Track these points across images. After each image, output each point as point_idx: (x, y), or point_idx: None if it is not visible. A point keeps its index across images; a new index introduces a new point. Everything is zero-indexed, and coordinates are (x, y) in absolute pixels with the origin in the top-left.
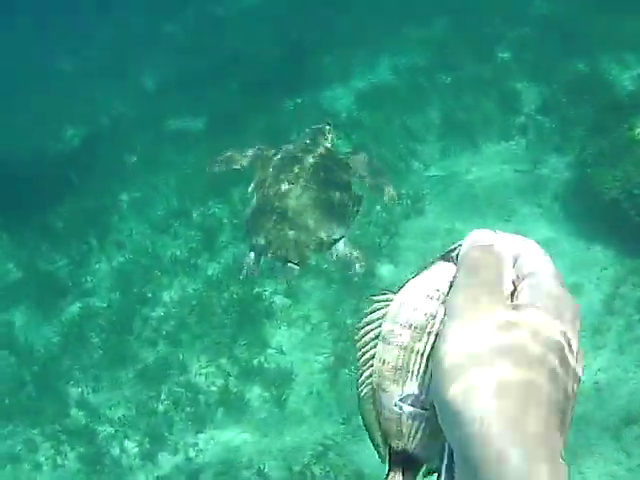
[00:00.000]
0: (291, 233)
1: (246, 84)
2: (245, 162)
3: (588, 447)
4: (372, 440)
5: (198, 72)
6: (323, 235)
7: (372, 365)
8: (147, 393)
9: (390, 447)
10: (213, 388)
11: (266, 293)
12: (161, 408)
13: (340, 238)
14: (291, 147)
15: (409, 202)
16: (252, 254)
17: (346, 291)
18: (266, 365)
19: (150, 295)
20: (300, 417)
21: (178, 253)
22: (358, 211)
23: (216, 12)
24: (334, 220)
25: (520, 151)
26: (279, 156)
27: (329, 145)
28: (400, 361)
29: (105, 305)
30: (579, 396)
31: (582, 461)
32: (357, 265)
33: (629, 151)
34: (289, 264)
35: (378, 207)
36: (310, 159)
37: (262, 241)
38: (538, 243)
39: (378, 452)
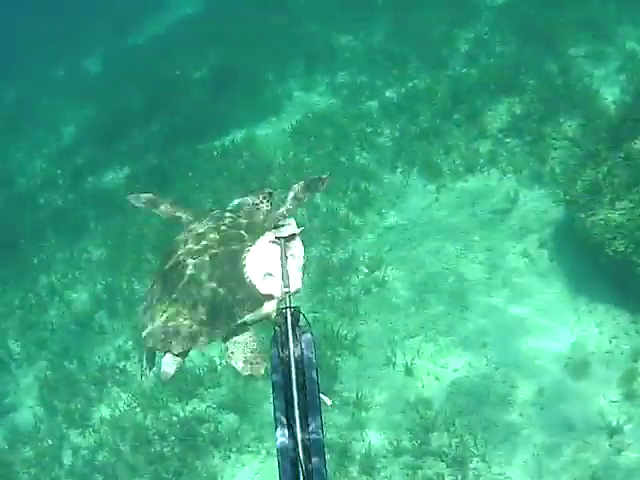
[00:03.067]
0: (174, 320)
1: (170, 127)
2: (165, 210)
3: None
4: None
5: (119, 117)
6: (218, 326)
7: None
8: None
9: None
10: None
11: (210, 409)
12: None
13: (235, 330)
14: (215, 214)
15: (365, 269)
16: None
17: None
18: None
19: (78, 415)
20: None
21: (106, 355)
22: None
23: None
24: (240, 305)
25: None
26: (195, 225)
27: (263, 211)
28: None
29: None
30: None
31: None
32: (254, 367)
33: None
34: (166, 357)
35: (330, 278)
36: (224, 232)
37: (142, 328)
38: None
39: None
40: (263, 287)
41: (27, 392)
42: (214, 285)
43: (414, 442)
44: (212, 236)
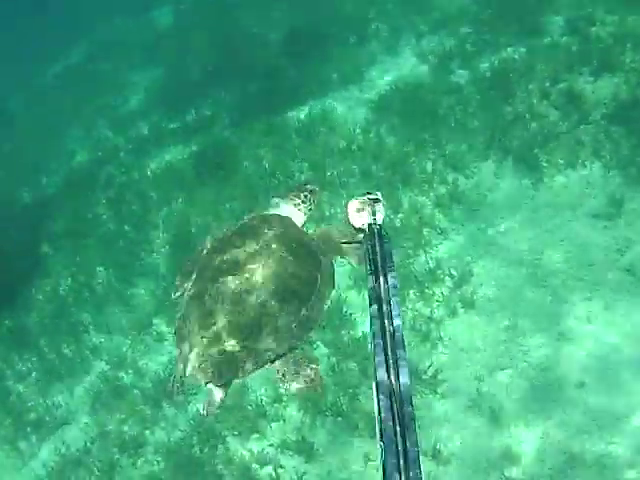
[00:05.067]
0: (220, 347)
1: (241, 95)
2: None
3: None
4: None
5: (187, 82)
6: (262, 352)
7: None
8: None
9: None
10: None
11: (271, 448)
12: None
13: (290, 351)
14: (251, 221)
15: (451, 283)
16: (181, 366)
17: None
18: None
19: (130, 438)
20: None
21: (163, 367)
22: (318, 322)
23: None
24: (284, 334)
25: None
26: (233, 233)
27: (304, 216)
28: None
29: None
30: None
31: None
32: (311, 384)
33: None
34: (210, 387)
35: (412, 290)
36: (269, 243)
37: (183, 352)
38: None
39: None
40: (356, 221)
41: (80, 405)
42: (263, 301)
43: None
44: (250, 249)
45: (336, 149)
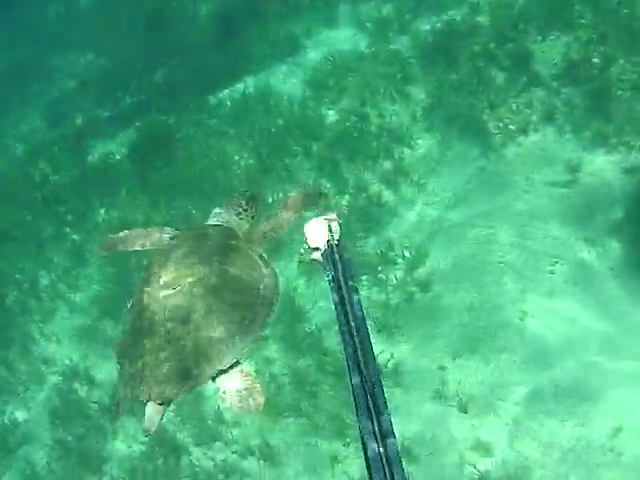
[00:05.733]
0: (160, 366)
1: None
2: (148, 242)
3: None
4: None
5: (120, 65)
6: (203, 368)
7: None
8: None
9: None
10: None
11: (235, 456)
12: None
13: (232, 366)
14: (189, 236)
15: (405, 268)
16: (122, 384)
17: None
18: None
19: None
20: None
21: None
22: (260, 333)
23: None
24: (226, 348)
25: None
26: (175, 242)
27: (246, 225)
28: None
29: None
30: None
31: None
32: (252, 403)
33: None
34: (150, 405)
35: (365, 276)
36: (208, 258)
37: (125, 369)
38: None
39: None
40: (312, 241)
41: (39, 421)
42: (199, 318)
43: None
44: (187, 265)
45: (275, 128)
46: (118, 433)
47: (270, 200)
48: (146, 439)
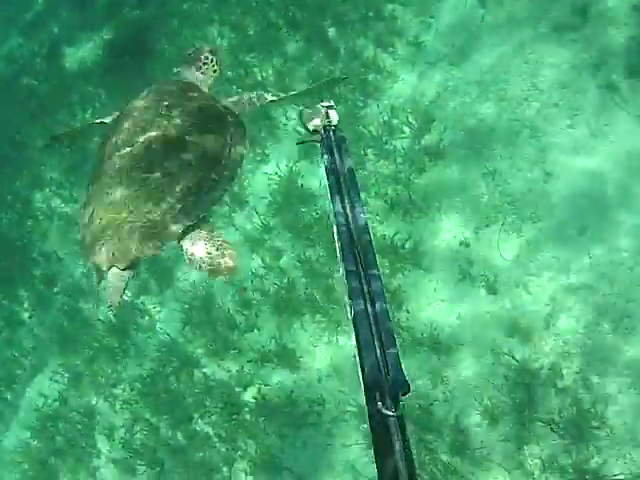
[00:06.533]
0: (118, 225)
1: None
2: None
3: None
4: None
5: None
6: (167, 224)
7: None
8: None
9: None
10: None
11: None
12: None
13: (192, 225)
14: (150, 92)
15: (412, 137)
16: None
17: None
18: None
19: None
20: None
21: None
22: (227, 188)
23: None
24: (192, 204)
25: None
26: (129, 108)
27: (209, 79)
28: None
29: None
30: None
31: None
32: (222, 263)
33: None
34: (113, 272)
35: (369, 150)
36: (169, 108)
37: (85, 241)
38: None
39: None
40: (309, 124)
41: (47, 347)
42: (165, 167)
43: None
44: (148, 117)
45: (253, 3)
46: (128, 351)
47: (259, 78)
48: (156, 356)
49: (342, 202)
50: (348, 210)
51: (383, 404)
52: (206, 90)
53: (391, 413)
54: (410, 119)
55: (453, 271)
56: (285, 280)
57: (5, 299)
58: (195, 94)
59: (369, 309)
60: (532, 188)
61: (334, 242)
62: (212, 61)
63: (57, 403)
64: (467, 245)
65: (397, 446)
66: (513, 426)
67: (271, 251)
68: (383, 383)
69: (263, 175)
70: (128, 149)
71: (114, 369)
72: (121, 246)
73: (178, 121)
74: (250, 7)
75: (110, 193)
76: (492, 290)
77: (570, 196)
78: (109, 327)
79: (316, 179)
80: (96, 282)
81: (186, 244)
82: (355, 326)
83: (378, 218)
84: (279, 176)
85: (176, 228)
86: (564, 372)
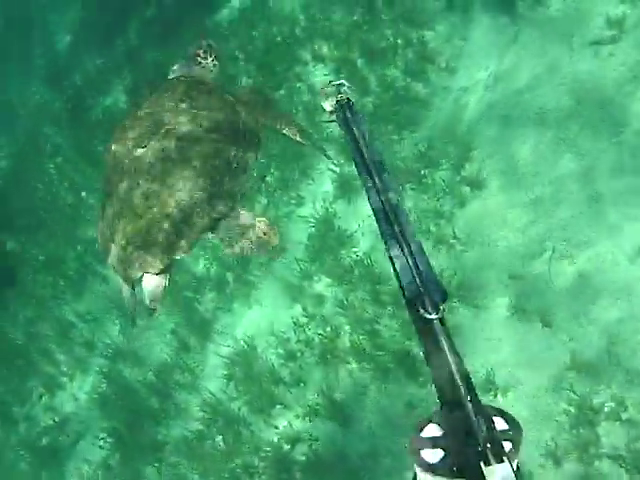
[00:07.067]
0: (145, 229)
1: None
2: None
3: None
4: None
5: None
6: (195, 219)
7: None
8: None
9: None
10: None
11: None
12: None
13: (224, 215)
14: (156, 94)
15: (451, 167)
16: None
17: None
18: None
19: None
20: None
21: None
22: (247, 171)
23: None
24: (215, 195)
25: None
26: (141, 112)
27: (209, 73)
28: None
29: None
30: None
31: None
32: (264, 238)
33: None
34: (148, 278)
35: (408, 188)
36: (177, 105)
37: (112, 253)
38: None
39: None
40: (326, 105)
41: (88, 412)
42: (175, 171)
43: None
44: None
45: (280, 39)
46: (170, 412)
47: (291, 110)
48: (200, 415)
49: (370, 176)
50: (377, 182)
51: (425, 311)
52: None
53: (434, 316)
54: (448, 149)
55: (504, 306)
56: (328, 328)
57: (44, 363)
58: (202, 85)
59: (397, 232)
60: (581, 211)
61: (377, 284)
62: (211, 55)
63: (102, 469)
64: (517, 278)
65: (445, 346)
66: (578, 465)
67: (312, 298)
68: (423, 295)
69: (299, 219)
70: (141, 150)
71: (157, 431)
72: (150, 251)
73: (189, 115)
74: (275, 42)
75: (131, 202)
76: (547, 323)
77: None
78: (149, 388)
79: (353, 220)
80: (127, 294)
81: (220, 232)
82: (388, 249)
83: None
84: (315, 219)
85: (204, 223)
86: (628, 403)
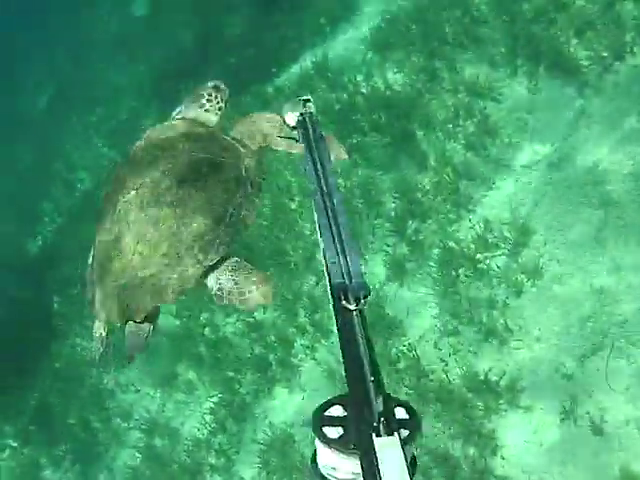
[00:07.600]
0: (130, 274)
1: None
2: None
3: None
4: None
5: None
6: (185, 266)
7: None
8: None
9: None
10: None
11: None
12: None
13: (216, 264)
14: (153, 131)
15: (507, 253)
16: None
17: None
18: None
19: None
20: None
21: None
22: (245, 216)
23: None
24: (209, 242)
25: None
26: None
27: (214, 117)
28: None
29: None
30: None
31: None
32: (255, 292)
33: None
34: (131, 325)
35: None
36: (176, 152)
37: (94, 299)
38: None
39: None
40: (289, 119)
41: None
42: (176, 210)
43: None
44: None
45: (339, 106)
46: None
47: (345, 186)
48: None
49: (318, 181)
50: (324, 186)
51: (347, 302)
52: (211, 126)
53: (354, 307)
54: (506, 233)
55: (554, 410)
56: None
57: (79, 430)
58: (201, 129)
59: (332, 224)
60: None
61: (424, 376)
62: (217, 98)
63: None
64: (570, 377)
65: (359, 335)
66: None
67: None
68: (347, 288)
69: None
70: (133, 192)
71: None
72: (135, 297)
73: (185, 159)
74: (334, 111)
75: (117, 241)
76: (598, 431)
77: None
78: (183, 467)
79: (402, 310)
80: (99, 343)
81: (210, 281)
82: (325, 249)
83: (471, 349)
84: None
85: (193, 273)
86: None
